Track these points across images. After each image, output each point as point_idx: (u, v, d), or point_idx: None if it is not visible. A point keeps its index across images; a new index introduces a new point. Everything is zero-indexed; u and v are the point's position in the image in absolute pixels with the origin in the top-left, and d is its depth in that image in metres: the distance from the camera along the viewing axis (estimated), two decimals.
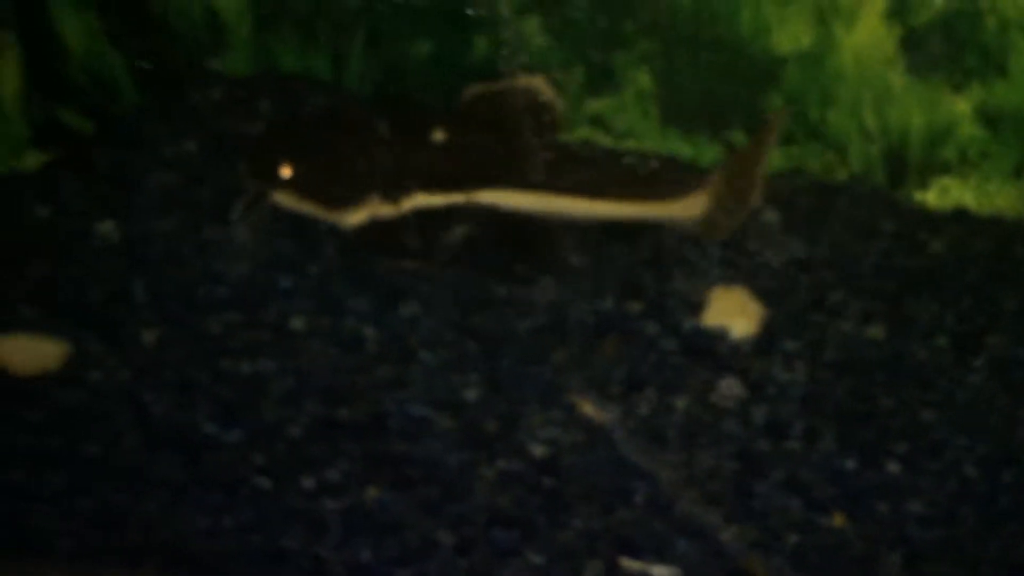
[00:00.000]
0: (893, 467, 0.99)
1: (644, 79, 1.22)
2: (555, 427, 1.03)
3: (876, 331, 1.06)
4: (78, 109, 1.33)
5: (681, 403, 1.02)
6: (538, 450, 1.02)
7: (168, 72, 1.32)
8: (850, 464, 0.99)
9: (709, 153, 1.21)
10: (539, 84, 1.15)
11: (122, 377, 1.13)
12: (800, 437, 1.00)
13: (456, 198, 1.07)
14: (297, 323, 1.15)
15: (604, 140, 1.24)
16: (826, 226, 1.13)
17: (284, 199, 1.09)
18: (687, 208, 1.10)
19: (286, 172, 1.07)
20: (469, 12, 1.17)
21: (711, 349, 1.07)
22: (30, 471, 1.05)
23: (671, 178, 1.14)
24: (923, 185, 1.16)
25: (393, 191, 1.07)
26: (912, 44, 1.12)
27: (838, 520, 0.95)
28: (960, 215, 1.19)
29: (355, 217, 1.07)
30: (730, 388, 0.98)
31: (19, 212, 1.27)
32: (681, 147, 1.22)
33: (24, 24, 1.28)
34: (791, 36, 1.16)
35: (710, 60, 1.19)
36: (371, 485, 1.02)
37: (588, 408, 1.03)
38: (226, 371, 1.13)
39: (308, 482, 1.03)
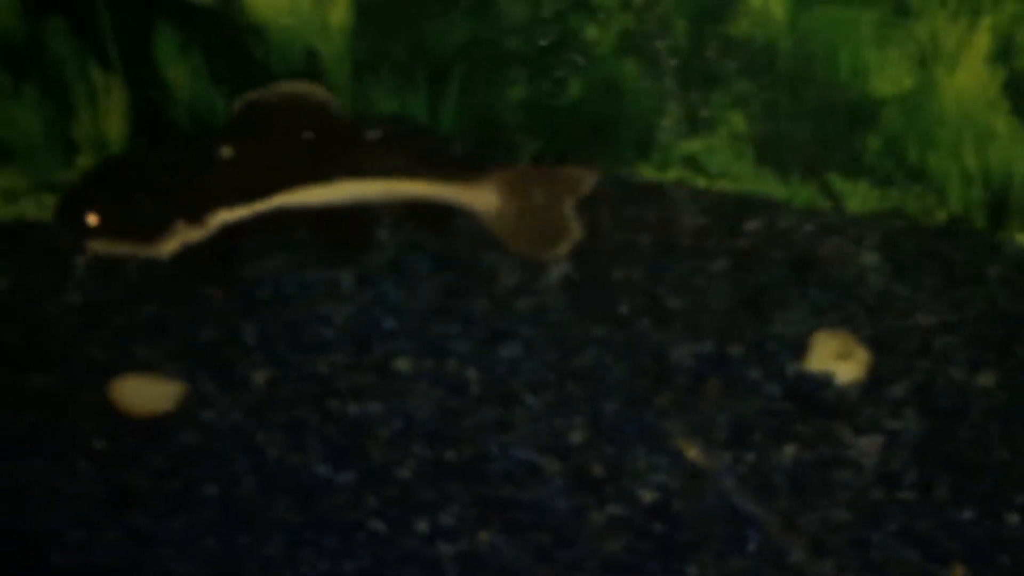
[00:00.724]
0: (1013, 518, 0.97)
1: (739, 120, 1.20)
2: (663, 472, 1.01)
3: (986, 378, 1.04)
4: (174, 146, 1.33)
5: (789, 450, 1.01)
6: (647, 495, 1.01)
7: None
8: (968, 515, 0.96)
9: (804, 194, 1.19)
10: (308, 87, 1.16)
11: (235, 418, 1.13)
12: (914, 487, 0.97)
13: (258, 206, 1.10)
14: (401, 364, 1.15)
15: (698, 181, 1.22)
16: (927, 269, 1.11)
17: (99, 245, 1.11)
18: (476, 196, 1.12)
19: (93, 220, 1.08)
20: (577, 60, 1.15)
21: (816, 395, 1.05)
22: (151, 512, 1.06)
23: (472, 168, 1.15)
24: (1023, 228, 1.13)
25: (195, 213, 1.09)
26: (1016, 87, 1.10)
27: (958, 573, 0.92)
28: None
29: (168, 246, 1.09)
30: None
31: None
32: (775, 188, 1.20)
33: (131, 67, 1.29)
34: (891, 79, 1.13)
35: (807, 102, 1.17)
36: (483, 529, 1.01)
37: (694, 453, 1.02)
38: (334, 412, 1.13)
39: (422, 525, 1.02)
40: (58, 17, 1.23)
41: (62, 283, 1.24)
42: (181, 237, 1.08)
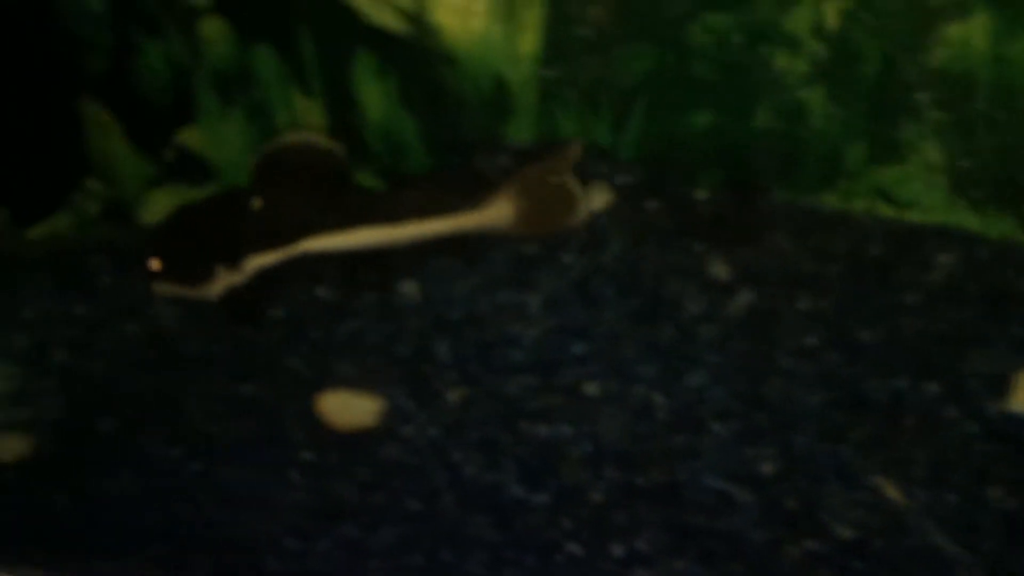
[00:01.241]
0: None
1: (932, 150, 1.17)
2: (860, 509, 1.01)
3: None
4: (372, 171, 1.36)
5: (994, 492, 0.99)
6: (845, 532, 1.00)
7: (456, 138, 1.34)
8: None
9: (1000, 226, 1.16)
10: (315, 137, 1.24)
11: (432, 435, 1.16)
12: None
13: (288, 252, 1.18)
14: (590, 388, 1.17)
15: (886, 210, 1.20)
16: None
17: (162, 288, 1.21)
18: (494, 217, 1.18)
19: (155, 266, 1.19)
20: (765, 88, 1.14)
21: (1018, 435, 1.03)
22: (359, 524, 1.10)
23: (468, 191, 1.20)
24: None
25: (233, 259, 1.18)
26: None
27: None
28: None
29: (214, 289, 1.19)
30: None
31: (322, 269, 1.32)
32: (969, 219, 1.17)
33: (329, 91, 1.32)
34: None
35: (1006, 133, 1.13)
36: (678, 557, 1.02)
37: (892, 491, 1.01)
38: (526, 433, 1.15)
39: (617, 550, 1.04)
40: (266, 45, 1.27)
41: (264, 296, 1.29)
42: (224, 281, 1.18)
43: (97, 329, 1.29)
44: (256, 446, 1.16)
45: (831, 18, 1.17)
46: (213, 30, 1.27)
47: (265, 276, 1.19)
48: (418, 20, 1.24)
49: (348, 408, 1.17)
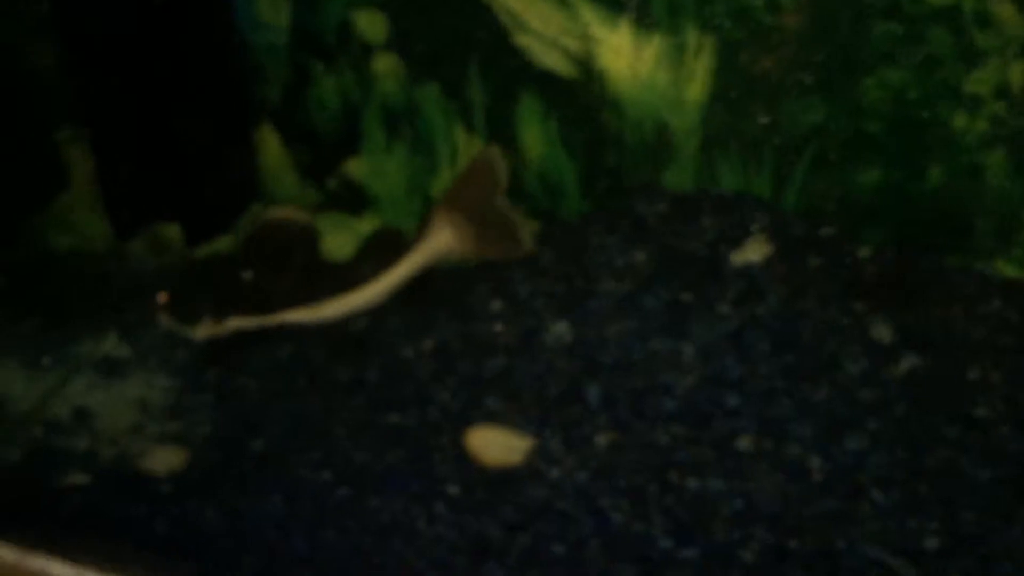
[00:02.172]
0: None
1: None
2: None
3: None
4: (527, 210, 1.34)
5: None
6: None
7: (614, 182, 1.31)
8: None
9: None
10: (294, 213, 1.31)
11: (580, 479, 1.13)
12: None
13: (265, 322, 1.27)
14: (742, 443, 1.11)
15: None
16: None
17: (163, 319, 1.31)
18: (438, 241, 1.21)
19: (163, 298, 1.30)
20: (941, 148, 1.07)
21: None
22: (504, 565, 1.06)
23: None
24: None
25: (220, 316, 1.29)
26: None
27: None
28: None
29: (200, 332, 1.29)
30: None
31: (473, 304, 1.30)
32: None
33: (491, 130, 1.31)
34: None
35: None
36: None
37: None
38: (675, 484, 1.11)
39: None
40: (434, 82, 1.26)
41: (417, 327, 1.28)
42: (208, 330, 1.30)
43: (253, 349, 1.30)
44: (403, 476, 1.13)
45: (1017, 79, 1.10)
46: (385, 66, 1.26)
47: (242, 335, 1.29)
48: (585, 64, 1.22)
49: (496, 445, 1.14)
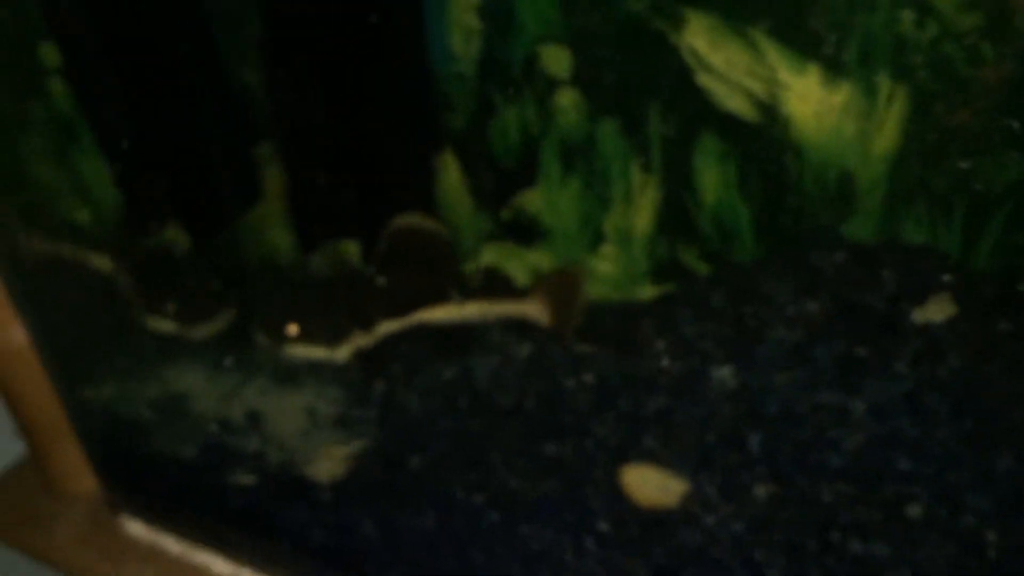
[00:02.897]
0: None
1: None
2: None
3: None
4: (698, 252, 1.31)
5: None
6: None
7: (789, 230, 1.26)
8: None
9: None
10: (422, 220, 1.29)
11: (735, 529, 1.09)
12: None
13: (411, 320, 1.24)
14: (912, 511, 1.05)
15: None
16: None
17: (295, 351, 1.27)
18: (531, 309, 1.22)
19: (293, 331, 1.26)
20: None
21: None
22: None
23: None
24: None
25: (365, 324, 1.25)
26: None
27: None
28: None
29: (343, 352, 1.25)
30: None
31: (638, 342, 1.28)
32: None
33: (667, 170, 1.29)
34: None
35: None
36: None
37: None
38: (836, 545, 1.05)
39: None
40: (613, 120, 1.26)
41: (580, 359, 1.27)
42: (354, 344, 1.26)
43: (413, 362, 1.31)
44: (555, 507, 1.12)
45: None
46: (567, 100, 1.27)
47: (392, 339, 1.26)
48: (769, 108, 1.18)
49: (651, 484, 1.11)
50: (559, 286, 1.27)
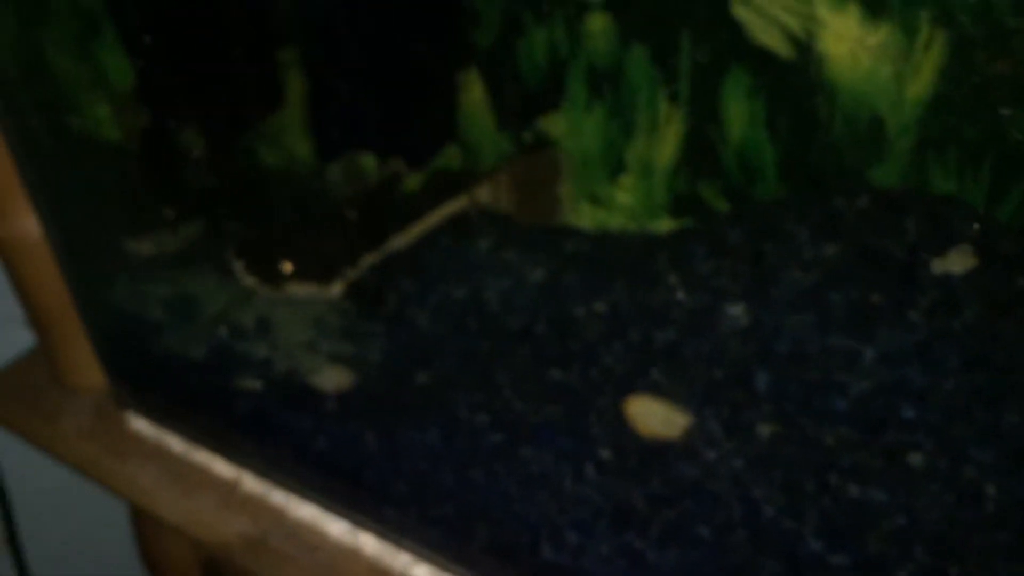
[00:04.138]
0: None
1: None
2: None
3: None
4: (719, 188, 1.28)
5: None
6: None
7: (813, 171, 1.23)
8: None
9: None
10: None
11: (735, 465, 1.08)
12: None
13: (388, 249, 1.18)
14: (914, 459, 1.04)
15: None
16: None
17: (291, 289, 1.20)
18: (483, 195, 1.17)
19: (288, 268, 1.19)
20: None
21: None
22: (645, 536, 1.03)
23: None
24: None
25: (350, 260, 1.18)
26: None
27: None
28: None
29: (336, 290, 1.19)
30: None
31: (652, 274, 1.26)
32: None
33: (695, 102, 1.25)
34: None
35: None
36: None
37: None
38: (834, 487, 1.05)
39: None
40: (644, 48, 1.22)
41: (591, 287, 1.25)
42: (347, 280, 1.21)
43: (427, 284, 1.30)
44: (558, 432, 1.12)
45: None
46: (597, 25, 1.23)
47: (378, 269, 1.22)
48: (804, 46, 1.14)
49: (655, 416, 1.10)
50: (530, 171, 1.23)
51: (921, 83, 1.14)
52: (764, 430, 1.06)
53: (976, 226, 1.09)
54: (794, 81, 1.19)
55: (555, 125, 1.29)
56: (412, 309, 1.27)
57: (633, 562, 1.04)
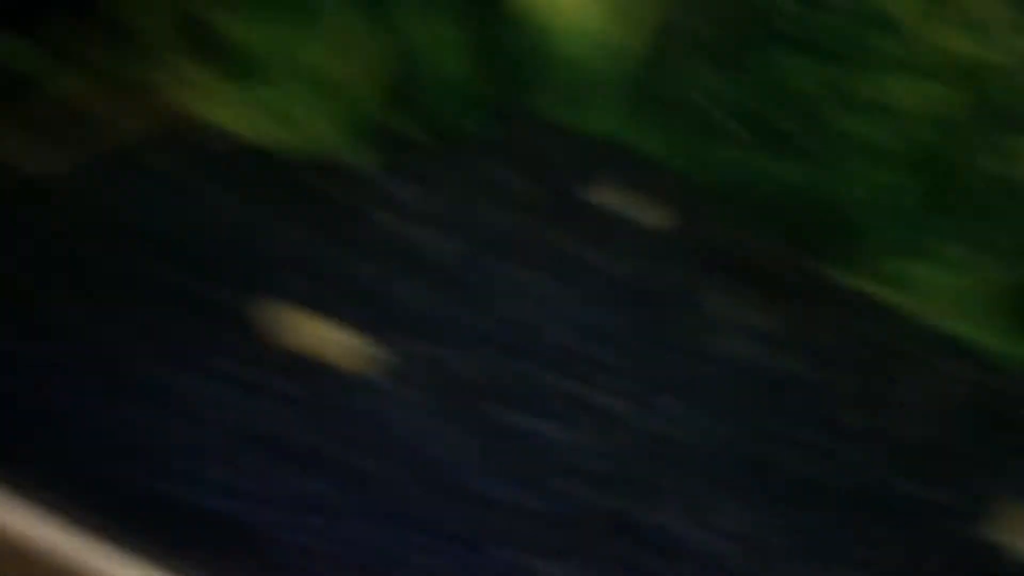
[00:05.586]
0: None
1: (990, 264, 1.01)
2: None
3: None
4: (423, 121, 1.19)
5: None
6: None
7: (512, 107, 1.17)
8: None
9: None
10: None
11: (405, 393, 0.95)
12: None
13: None
14: (597, 398, 0.96)
15: (923, 309, 1.04)
16: None
17: None
18: None
19: None
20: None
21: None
22: (290, 459, 0.88)
23: None
24: None
25: None
26: None
27: None
28: None
29: None
30: None
31: (338, 202, 1.14)
32: (989, 338, 1.00)
33: (393, 25, 1.16)
34: None
35: None
36: None
37: None
38: (503, 421, 0.96)
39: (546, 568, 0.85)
40: None
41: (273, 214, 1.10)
42: None
43: None
44: (186, 343, 0.95)
45: (934, 100, 1.03)
46: None
47: None
48: None
49: (323, 337, 0.98)
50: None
51: (630, 34, 1.12)
52: (436, 357, 0.97)
53: (673, 181, 1.08)
54: (500, 14, 1.13)
55: (235, 28, 1.15)
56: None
57: (274, 482, 0.90)
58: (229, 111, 1.10)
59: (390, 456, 0.91)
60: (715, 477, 0.92)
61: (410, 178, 1.08)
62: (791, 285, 1.00)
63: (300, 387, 0.93)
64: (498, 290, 1.01)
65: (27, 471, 0.85)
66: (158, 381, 0.92)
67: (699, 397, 0.95)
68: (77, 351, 0.93)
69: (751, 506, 0.90)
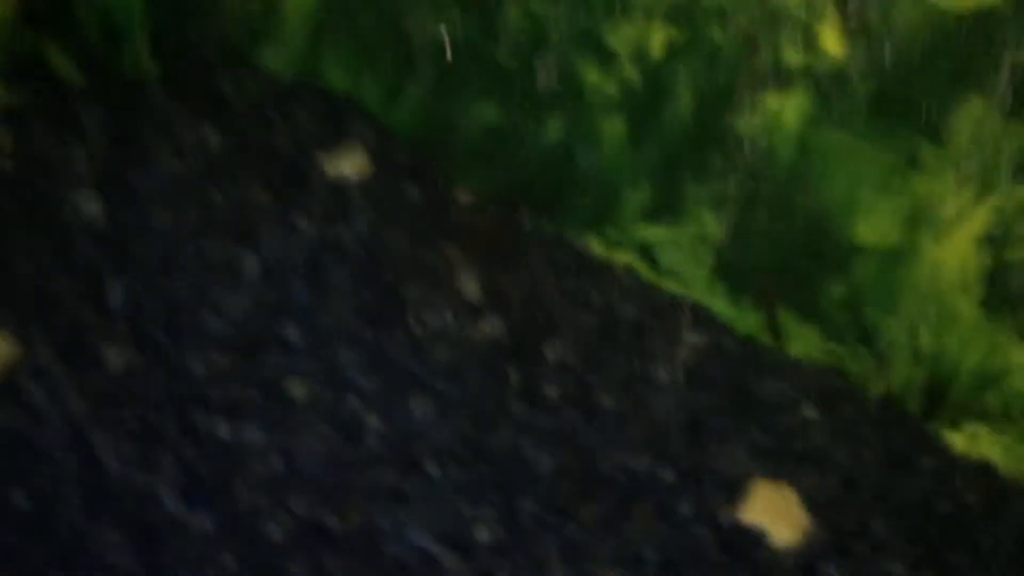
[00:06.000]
0: None
1: (710, 221, 1.01)
2: None
3: None
4: (73, 55, 0.97)
5: None
6: None
7: (197, 48, 0.98)
8: None
9: (749, 321, 1.00)
10: None
11: (74, 407, 0.79)
12: None
13: None
14: (295, 389, 0.86)
15: (645, 272, 1.01)
16: (867, 441, 0.96)
17: None
18: None
19: None
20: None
21: (749, 552, 0.84)
22: None
23: None
24: (954, 425, 1.02)
25: None
26: (995, 278, 0.97)
27: None
28: (985, 469, 0.94)
29: None
30: None
31: None
32: (722, 306, 1.00)
33: None
34: (878, 229, 0.98)
35: (784, 224, 0.99)
36: None
37: None
38: (201, 428, 0.80)
39: None
40: None
41: None
42: None
43: None
44: None
45: (655, 46, 0.97)
46: None
47: None
48: None
49: None
50: None
51: None
52: (112, 357, 0.81)
53: (370, 130, 0.96)
54: None
55: None
56: None
57: None
58: None
59: (52, 484, 0.74)
60: (451, 473, 0.85)
61: (64, 126, 0.87)
62: (508, 247, 0.93)
63: None
64: (188, 264, 0.84)
65: None
66: None
67: (423, 382, 0.87)
68: None
69: (492, 504, 0.84)
